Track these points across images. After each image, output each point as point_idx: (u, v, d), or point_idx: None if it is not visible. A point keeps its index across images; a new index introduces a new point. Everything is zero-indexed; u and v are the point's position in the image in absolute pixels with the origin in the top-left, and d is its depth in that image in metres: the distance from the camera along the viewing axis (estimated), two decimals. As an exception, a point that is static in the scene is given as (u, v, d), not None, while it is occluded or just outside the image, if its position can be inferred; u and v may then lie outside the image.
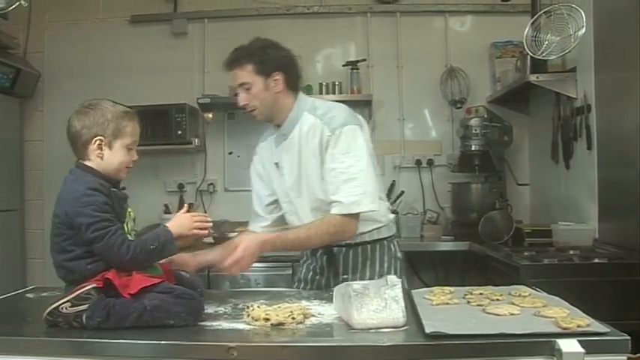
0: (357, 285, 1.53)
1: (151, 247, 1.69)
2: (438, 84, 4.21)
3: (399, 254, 2.37)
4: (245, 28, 4.32)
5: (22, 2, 2.62)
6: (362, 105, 4.15)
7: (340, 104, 2.28)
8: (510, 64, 3.94)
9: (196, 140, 4.14)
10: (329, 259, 2.30)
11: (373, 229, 2.28)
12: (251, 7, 4.37)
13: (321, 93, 4.09)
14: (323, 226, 2.13)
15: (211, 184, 4.37)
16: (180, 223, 1.82)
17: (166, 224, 1.80)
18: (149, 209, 4.24)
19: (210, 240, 1.92)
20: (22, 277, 4.21)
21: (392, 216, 2.39)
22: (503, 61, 4.08)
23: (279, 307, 1.64)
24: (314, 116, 2.21)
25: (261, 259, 3.52)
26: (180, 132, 4.00)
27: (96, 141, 1.76)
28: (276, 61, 2.23)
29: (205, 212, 4.30)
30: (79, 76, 4.33)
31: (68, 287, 1.72)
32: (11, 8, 2.66)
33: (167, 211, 4.21)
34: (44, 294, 2.04)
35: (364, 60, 4.16)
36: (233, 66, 2.25)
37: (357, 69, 4.10)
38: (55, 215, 1.71)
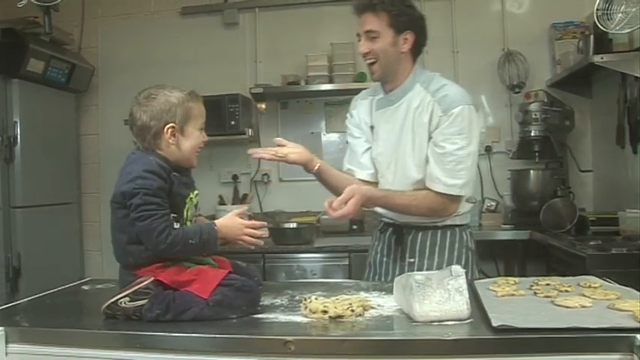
0: (419, 275, 1.46)
1: (191, 241, 1.65)
2: (495, 68, 4.08)
3: (472, 245, 2.26)
4: (297, 16, 4.29)
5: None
6: (416, 91, 4.06)
7: (453, 82, 2.17)
8: (571, 45, 3.77)
9: (250, 130, 4.12)
10: (397, 239, 2.24)
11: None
12: (302, -5, 4.32)
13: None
14: (427, 200, 2.08)
15: (265, 174, 4.35)
16: (230, 226, 1.78)
17: (215, 222, 1.76)
18: (203, 201, 4.12)
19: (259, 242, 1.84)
20: (80, 269, 4.29)
21: (469, 206, 2.28)
22: (563, 43, 3.92)
23: (337, 299, 1.58)
24: (426, 91, 2.11)
25: (317, 250, 3.52)
26: (233, 122, 3.98)
27: (168, 129, 1.72)
28: (412, 20, 2.14)
29: (260, 203, 4.31)
30: (131, 69, 4.36)
31: (123, 271, 1.71)
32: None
33: (221, 202, 4.21)
34: (99, 286, 2.05)
35: (419, 45, 4.05)
36: (366, 10, 2.08)
37: (412, 54, 3.99)
38: (114, 194, 1.69)
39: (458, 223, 2.22)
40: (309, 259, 3.50)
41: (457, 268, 1.44)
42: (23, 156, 3.69)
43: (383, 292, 1.77)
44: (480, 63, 4.14)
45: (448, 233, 2.20)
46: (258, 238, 1.88)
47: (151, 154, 1.73)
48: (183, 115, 1.74)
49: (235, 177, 4.35)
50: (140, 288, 1.58)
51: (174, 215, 1.70)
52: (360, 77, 3.99)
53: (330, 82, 4.03)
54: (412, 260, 2.18)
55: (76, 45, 4.38)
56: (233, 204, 4.20)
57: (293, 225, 3.75)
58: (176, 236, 1.62)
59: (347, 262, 3.44)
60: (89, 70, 4.28)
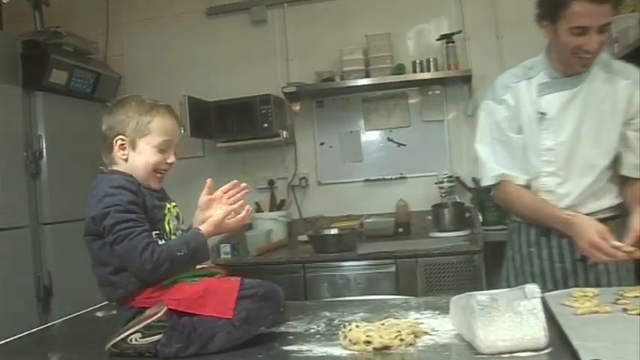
0: (482, 296, 1.19)
1: (179, 254, 1.44)
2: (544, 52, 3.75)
3: None
4: (327, 9, 4.04)
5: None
6: (460, 81, 3.76)
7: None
8: (631, 19, 3.42)
9: (284, 132, 3.89)
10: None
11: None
12: (332, -12, 4.06)
13: (414, 71, 3.73)
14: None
15: (303, 178, 4.10)
16: (211, 222, 1.55)
17: (199, 227, 1.54)
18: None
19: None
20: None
21: None
22: (621, 18, 3.56)
23: (382, 325, 1.32)
24: (610, 74, 1.98)
25: (361, 257, 3.27)
26: (266, 125, 3.75)
27: (117, 140, 1.54)
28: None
29: (299, 209, 4.07)
30: (158, 74, 4.18)
31: (118, 308, 1.50)
32: None
33: (258, 209, 3.98)
34: (115, 312, 1.83)
35: (459, 32, 3.75)
36: (608, 1, 1.81)
37: (453, 42, 3.70)
38: (85, 226, 1.50)
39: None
40: (353, 268, 3.24)
41: (533, 288, 1.16)
42: (50, 170, 3.53)
43: (437, 312, 1.51)
44: (528, 47, 3.77)
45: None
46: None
47: (115, 173, 1.54)
48: (137, 128, 1.54)
49: (272, 182, 4.12)
50: (153, 321, 1.36)
51: (157, 232, 1.50)
52: (399, 69, 3.72)
53: (367, 76, 3.76)
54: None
55: (102, 54, 4.22)
56: (270, 210, 3.98)
57: (334, 231, 3.50)
58: (161, 252, 1.41)
59: (393, 269, 3.17)
60: (115, 78, 4.11)
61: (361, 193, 4.00)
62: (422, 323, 1.38)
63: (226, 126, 3.83)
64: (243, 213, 1.62)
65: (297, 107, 4.06)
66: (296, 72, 4.03)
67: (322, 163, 4.09)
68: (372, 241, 3.60)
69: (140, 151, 1.55)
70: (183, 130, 3.61)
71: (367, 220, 3.80)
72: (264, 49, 4.11)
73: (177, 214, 1.63)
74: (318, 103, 4.08)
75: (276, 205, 4.03)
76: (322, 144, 4.09)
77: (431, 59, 3.71)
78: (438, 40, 3.76)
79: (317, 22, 4.06)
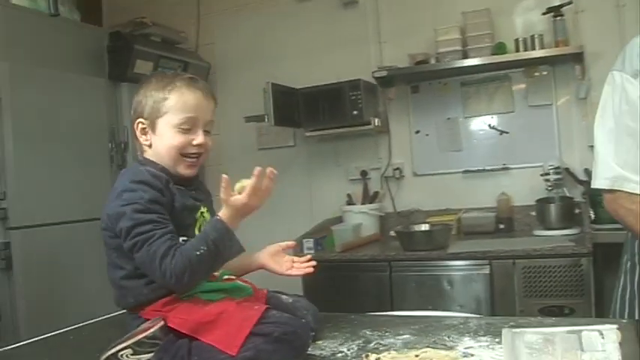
0: (533, 335, 0.91)
1: (197, 253, 1.24)
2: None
3: None
4: (422, -13, 3.73)
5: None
6: (571, 60, 3.32)
7: None
8: None
9: (376, 120, 3.63)
10: None
11: None
12: (427, -35, 3.74)
13: (517, 50, 3.33)
14: None
15: (397, 168, 3.83)
16: (232, 204, 1.31)
17: (218, 214, 1.32)
18: (331, 201, 3.86)
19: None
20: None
21: None
22: None
23: (416, 358, 1.07)
24: None
25: (452, 256, 2.97)
26: (356, 112, 3.51)
27: (138, 124, 1.39)
28: None
29: (393, 201, 3.82)
30: (248, 62, 4.07)
31: (127, 315, 1.35)
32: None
33: (350, 201, 3.77)
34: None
35: (570, 3, 3.30)
36: None
37: (562, 15, 3.26)
38: (102, 220, 1.34)
39: None
40: (443, 268, 2.95)
41: (611, 331, 0.87)
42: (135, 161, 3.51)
43: (497, 339, 1.22)
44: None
45: None
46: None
47: (146, 164, 1.37)
48: (153, 107, 1.38)
49: (364, 173, 3.88)
50: (145, 337, 1.18)
51: (185, 239, 1.32)
52: (500, 48, 3.35)
53: (465, 57, 3.41)
54: None
55: (193, 43, 4.16)
56: (363, 203, 3.75)
57: (424, 227, 3.22)
58: (178, 258, 1.23)
59: (488, 271, 2.83)
60: (204, 67, 4.04)
61: (459, 185, 3.67)
62: (471, 355, 1.12)
63: (315, 114, 3.64)
64: (267, 182, 1.36)
65: (391, 93, 3.79)
66: (389, 55, 3.76)
67: (418, 153, 3.79)
68: (470, 238, 3.28)
69: (161, 133, 1.40)
70: (267, 119, 3.47)
71: (465, 215, 3.48)
72: (356, 32, 3.87)
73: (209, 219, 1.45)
74: (413, 89, 3.78)
75: (368, 198, 3.79)
76: (418, 132, 3.79)
77: (536, 36, 3.30)
78: (544, 14, 3.33)
79: (410, 1, 3.76)
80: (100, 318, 1.71)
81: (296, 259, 1.59)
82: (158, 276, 1.24)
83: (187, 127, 1.39)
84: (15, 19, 2.97)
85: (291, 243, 1.62)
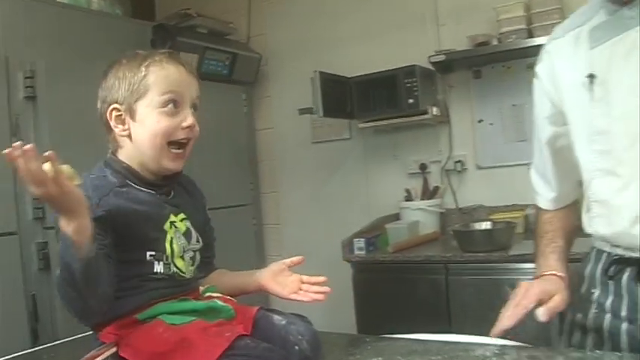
0: None
1: (57, 272, 1.02)
2: None
3: None
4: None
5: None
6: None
7: None
8: None
9: (434, 109, 3.35)
10: None
11: None
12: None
13: None
14: None
15: (459, 161, 3.52)
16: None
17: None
18: (388, 196, 3.61)
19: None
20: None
21: None
22: None
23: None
24: None
25: (513, 258, 2.66)
26: (411, 100, 3.25)
27: (111, 112, 1.18)
28: None
29: (454, 197, 3.53)
30: (300, 52, 3.86)
31: (92, 337, 1.17)
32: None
33: (409, 197, 3.51)
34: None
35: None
36: None
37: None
38: None
39: None
40: (504, 271, 2.65)
41: None
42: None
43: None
44: None
45: None
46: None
47: (112, 164, 1.19)
48: (131, 88, 1.16)
49: (424, 166, 3.60)
50: (95, 363, 1.01)
51: (152, 253, 1.13)
52: None
53: (530, 36, 3.07)
54: None
55: (244, 34, 4.01)
56: (422, 199, 3.49)
57: (484, 226, 2.92)
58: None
59: (554, 276, 2.52)
60: (255, 58, 3.87)
61: (527, 179, 3.32)
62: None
63: (368, 104, 3.40)
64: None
65: (450, 79, 3.50)
66: (447, 38, 3.46)
67: (481, 144, 3.48)
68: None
69: (142, 118, 1.20)
70: (315, 110, 3.26)
71: (533, 212, 3.14)
72: (411, 14, 3.58)
73: (188, 230, 1.24)
74: (475, 74, 3.47)
75: (428, 193, 3.52)
76: (481, 121, 3.47)
77: (612, 9, 2.93)
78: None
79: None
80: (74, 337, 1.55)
81: (306, 278, 1.35)
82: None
83: (173, 106, 1.19)
84: (54, 15, 2.91)
85: (297, 258, 1.39)
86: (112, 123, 1.21)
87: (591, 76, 1.26)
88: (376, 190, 3.72)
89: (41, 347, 1.50)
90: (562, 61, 1.36)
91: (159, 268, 1.16)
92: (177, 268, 1.20)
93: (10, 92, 2.68)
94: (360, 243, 3.07)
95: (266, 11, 4.03)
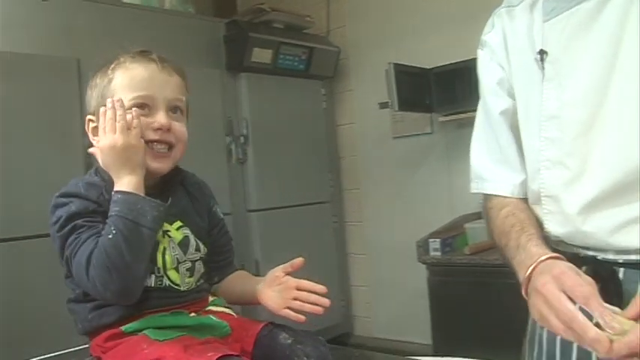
0: None
1: (109, 237, 1.00)
2: None
3: None
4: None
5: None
6: None
7: None
8: None
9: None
10: (605, 289, 0.99)
11: None
12: None
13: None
14: None
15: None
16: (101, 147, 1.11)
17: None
18: (467, 195, 3.39)
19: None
20: (342, 273, 3.83)
21: None
22: None
23: None
24: None
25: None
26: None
27: (88, 124, 1.15)
28: None
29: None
30: (381, 44, 3.70)
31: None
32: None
33: (492, 195, 3.29)
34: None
35: None
36: None
37: None
38: None
39: None
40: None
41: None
42: (256, 154, 3.36)
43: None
44: None
45: None
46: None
47: (97, 172, 1.14)
48: (100, 95, 1.12)
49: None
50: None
51: None
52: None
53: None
54: None
55: (324, 28, 3.91)
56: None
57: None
58: (98, 255, 1.01)
59: None
60: (333, 52, 3.77)
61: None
62: None
63: (448, 96, 3.23)
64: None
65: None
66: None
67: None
68: None
69: None
70: (391, 104, 3.13)
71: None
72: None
73: (185, 238, 1.17)
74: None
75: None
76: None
77: None
78: None
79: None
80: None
81: (304, 284, 1.18)
82: (92, 291, 1.03)
83: (142, 109, 1.12)
84: (127, 16, 2.95)
85: (297, 261, 1.22)
86: (90, 136, 1.16)
87: (542, 53, 1.09)
88: (459, 187, 3.51)
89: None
90: (514, 33, 1.19)
91: (150, 281, 1.10)
92: (170, 280, 1.13)
93: (82, 93, 2.73)
94: (435, 244, 2.91)
95: (346, 3, 3.92)
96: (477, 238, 2.92)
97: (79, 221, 1.04)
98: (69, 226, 1.04)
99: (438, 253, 2.88)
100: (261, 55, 3.33)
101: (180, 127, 1.16)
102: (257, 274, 3.21)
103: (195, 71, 3.13)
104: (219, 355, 0.97)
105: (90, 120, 1.16)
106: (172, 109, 1.16)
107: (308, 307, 1.14)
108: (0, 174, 2.37)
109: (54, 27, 2.67)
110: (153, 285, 1.11)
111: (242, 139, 3.32)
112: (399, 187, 3.70)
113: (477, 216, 3.23)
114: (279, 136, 3.49)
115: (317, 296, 1.15)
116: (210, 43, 3.29)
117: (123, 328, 1.07)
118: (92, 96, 1.16)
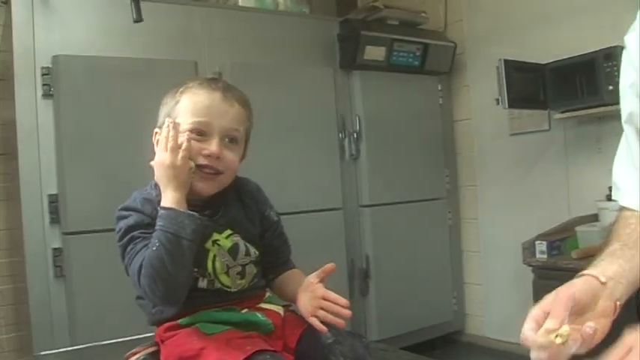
0: None
1: (153, 249, 1.12)
2: None
3: None
4: None
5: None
6: None
7: None
8: None
9: (642, 97, 2.93)
10: None
11: None
12: None
13: None
14: None
15: (676, 155, 3.02)
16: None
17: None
18: (590, 194, 3.25)
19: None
20: (455, 270, 3.80)
21: None
22: None
23: None
24: None
25: None
26: (611, 87, 2.85)
27: (155, 135, 1.28)
28: None
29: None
30: (499, 39, 3.61)
31: None
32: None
33: (610, 197, 3.12)
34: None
35: None
36: None
37: None
38: None
39: None
40: None
41: None
42: (369, 150, 3.45)
43: None
44: None
45: None
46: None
47: (151, 186, 1.29)
48: (167, 113, 1.26)
49: (632, 161, 3.16)
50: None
51: (196, 270, 1.19)
52: None
53: None
54: None
55: (441, 22, 3.89)
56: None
57: None
58: (146, 266, 1.14)
59: None
60: (449, 47, 3.73)
61: None
62: None
63: (564, 92, 3.10)
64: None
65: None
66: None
67: None
68: None
69: None
70: (500, 101, 3.07)
71: None
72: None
73: (235, 245, 1.28)
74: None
75: (635, 191, 3.10)
76: None
77: None
78: None
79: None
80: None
81: (329, 296, 1.21)
82: (144, 296, 1.17)
83: (198, 134, 1.24)
84: (242, 19, 3.12)
85: (328, 266, 1.26)
86: (155, 146, 1.29)
87: None
88: (577, 187, 3.38)
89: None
90: None
91: (202, 284, 1.23)
92: (221, 283, 1.25)
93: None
94: (542, 246, 2.83)
95: (463, -4, 3.87)
96: (587, 243, 2.81)
97: (136, 233, 1.19)
98: (127, 237, 1.20)
99: (544, 256, 2.81)
100: (374, 53, 3.39)
101: (231, 156, 1.26)
102: (367, 269, 3.32)
103: (310, 70, 3.29)
104: (256, 349, 1.08)
105: (156, 132, 1.30)
106: (228, 138, 1.26)
107: (330, 318, 1.19)
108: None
109: (173, 32, 2.87)
110: (206, 287, 1.23)
111: (355, 135, 3.41)
112: (516, 185, 3.62)
113: (594, 218, 3.10)
114: (393, 133, 3.53)
115: (340, 308, 1.20)
116: (324, 42, 3.40)
117: (179, 321, 1.20)
118: (161, 112, 1.30)
